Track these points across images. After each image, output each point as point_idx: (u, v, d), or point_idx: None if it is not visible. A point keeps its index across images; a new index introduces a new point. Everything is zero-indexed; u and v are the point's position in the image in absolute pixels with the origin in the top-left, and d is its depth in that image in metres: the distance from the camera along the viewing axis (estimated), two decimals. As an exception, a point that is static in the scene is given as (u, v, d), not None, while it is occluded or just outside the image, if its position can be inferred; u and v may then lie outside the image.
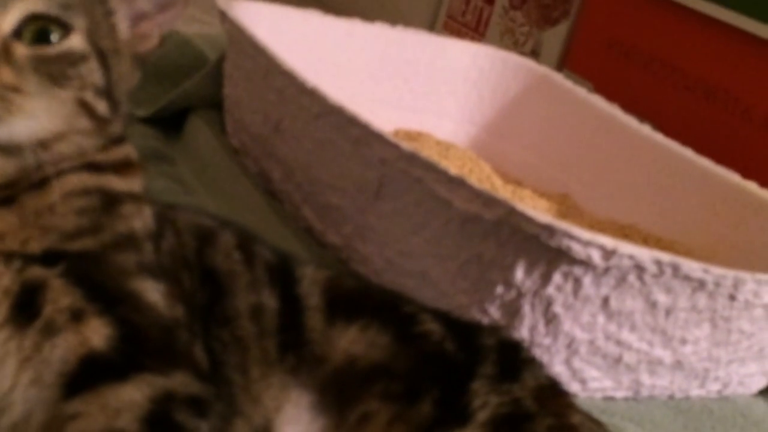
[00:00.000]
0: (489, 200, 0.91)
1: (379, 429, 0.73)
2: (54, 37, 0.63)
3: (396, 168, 1.00)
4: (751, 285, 0.97)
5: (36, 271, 0.63)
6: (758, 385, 1.13)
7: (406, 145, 0.98)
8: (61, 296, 0.63)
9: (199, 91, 1.38)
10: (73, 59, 0.64)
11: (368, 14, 1.58)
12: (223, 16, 1.26)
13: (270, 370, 0.73)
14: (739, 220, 1.28)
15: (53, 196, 0.65)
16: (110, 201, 0.67)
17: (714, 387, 1.08)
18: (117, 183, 0.68)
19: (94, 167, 0.67)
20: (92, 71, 0.66)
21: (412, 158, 0.97)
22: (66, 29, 0.64)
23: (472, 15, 2.26)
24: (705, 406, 1.06)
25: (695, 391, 1.07)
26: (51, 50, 0.63)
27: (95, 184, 0.67)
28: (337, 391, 0.74)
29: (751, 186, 1.30)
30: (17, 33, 0.62)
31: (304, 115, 1.13)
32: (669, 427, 1.00)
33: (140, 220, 0.69)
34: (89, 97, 0.66)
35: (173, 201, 1.17)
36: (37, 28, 0.62)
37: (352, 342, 0.76)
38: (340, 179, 1.09)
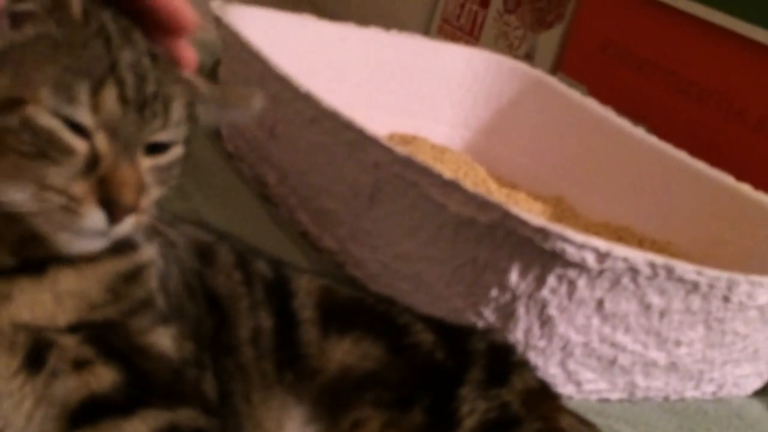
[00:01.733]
0: (483, 204, 0.91)
1: None
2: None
3: (391, 172, 1.00)
4: (745, 286, 0.97)
5: (49, 334, 0.64)
6: (753, 386, 1.13)
7: (401, 150, 0.99)
8: (67, 352, 0.64)
9: (194, 97, 1.38)
10: (177, 162, 0.66)
11: (363, 19, 1.58)
12: (218, 22, 1.27)
13: (269, 393, 0.74)
14: (734, 222, 1.28)
15: (93, 285, 0.65)
16: (135, 273, 0.68)
17: (709, 388, 1.08)
18: (145, 255, 0.68)
19: (131, 243, 0.66)
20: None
21: (407, 162, 0.98)
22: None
23: (466, 19, 2.27)
24: (700, 408, 1.07)
25: (690, 393, 1.08)
26: (164, 160, 0.64)
27: (130, 266, 0.67)
28: (331, 400, 0.74)
29: (745, 188, 1.30)
30: None
31: (298, 119, 1.13)
32: (664, 428, 1.00)
33: (155, 276, 0.69)
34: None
35: (169, 207, 1.18)
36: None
37: (346, 353, 0.76)
38: (334, 183, 1.09)
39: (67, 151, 0.59)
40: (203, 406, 0.67)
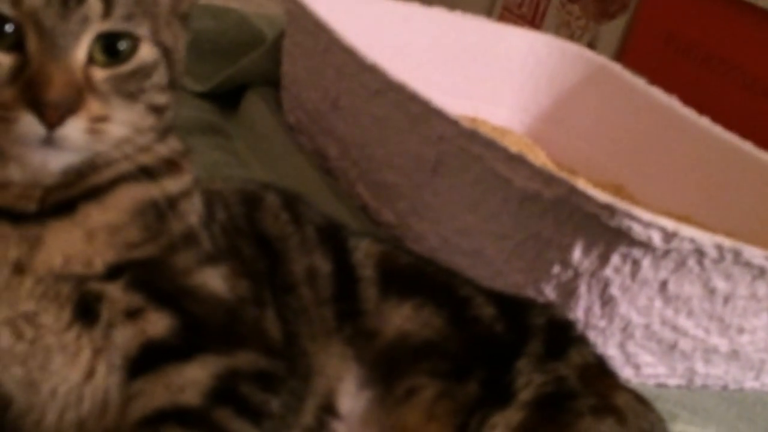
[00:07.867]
0: (550, 178, 0.90)
1: (425, 403, 0.73)
2: (121, 45, 0.62)
3: (455, 145, 0.99)
4: (813, 275, 0.95)
5: (94, 285, 0.64)
6: (814, 380, 1.11)
7: (466, 123, 0.98)
8: (117, 303, 0.64)
9: (256, 68, 1.38)
10: (146, 71, 0.64)
11: (426, 2, 1.57)
12: (284, -7, 1.27)
13: (330, 340, 0.73)
14: (799, 216, 1.26)
15: (120, 215, 0.65)
16: (168, 206, 0.67)
17: (769, 380, 1.07)
18: (172, 186, 0.67)
19: (148, 172, 0.65)
20: (161, 74, 0.65)
21: (472, 136, 0.97)
22: (133, 40, 0.63)
23: (528, 7, 2.25)
24: (759, 399, 1.05)
25: (750, 383, 1.06)
26: (126, 68, 0.62)
27: (155, 195, 0.66)
28: (387, 366, 0.74)
29: (812, 181, 1.28)
30: (90, 59, 0.61)
31: (362, 91, 1.12)
32: (723, 416, 0.98)
33: (194, 212, 0.69)
34: (156, 98, 0.65)
35: (228, 173, 1.18)
36: (104, 45, 0.61)
37: (405, 319, 0.76)
38: (396, 156, 1.09)
39: None
40: (265, 347, 0.67)
